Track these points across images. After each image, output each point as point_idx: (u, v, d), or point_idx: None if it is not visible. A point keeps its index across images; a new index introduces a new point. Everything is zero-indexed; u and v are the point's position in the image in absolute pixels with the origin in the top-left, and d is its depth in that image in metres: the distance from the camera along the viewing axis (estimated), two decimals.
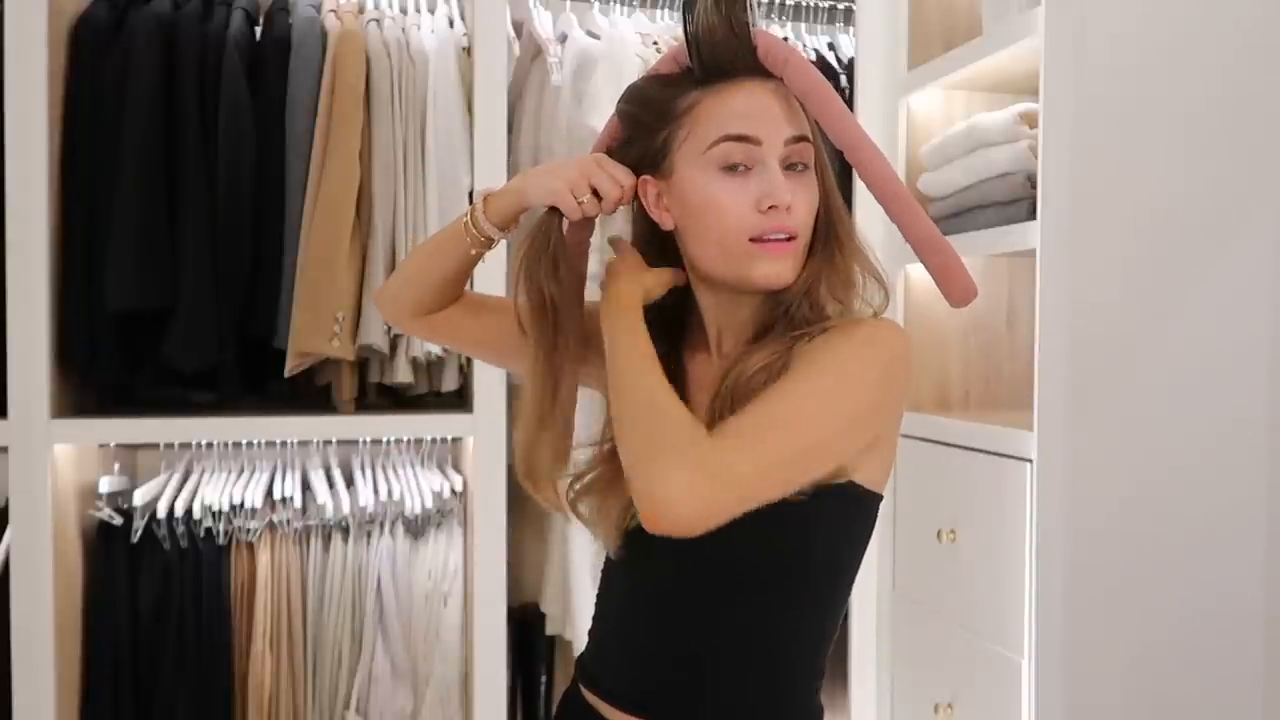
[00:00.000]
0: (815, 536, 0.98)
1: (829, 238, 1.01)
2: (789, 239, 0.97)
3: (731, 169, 0.97)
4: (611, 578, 1.11)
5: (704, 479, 0.83)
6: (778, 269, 0.97)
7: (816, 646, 1.04)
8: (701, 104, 0.98)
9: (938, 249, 0.98)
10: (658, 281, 1.04)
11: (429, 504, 2.16)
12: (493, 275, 1.92)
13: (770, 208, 0.95)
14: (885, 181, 0.99)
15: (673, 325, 1.09)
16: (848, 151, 0.99)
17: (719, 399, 0.98)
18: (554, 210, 1.03)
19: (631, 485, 0.87)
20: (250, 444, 2.17)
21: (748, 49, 0.98)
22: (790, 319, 0.99)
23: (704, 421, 0.97)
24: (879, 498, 1.02)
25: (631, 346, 0.95)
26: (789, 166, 0.98)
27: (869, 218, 1.17)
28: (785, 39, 2.39)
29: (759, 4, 2.41)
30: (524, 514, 2.28)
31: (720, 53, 0.98)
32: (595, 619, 1.13)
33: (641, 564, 1.05)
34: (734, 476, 0.85)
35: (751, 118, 0.97)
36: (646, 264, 1.07)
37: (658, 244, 1.07)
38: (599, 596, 1.13)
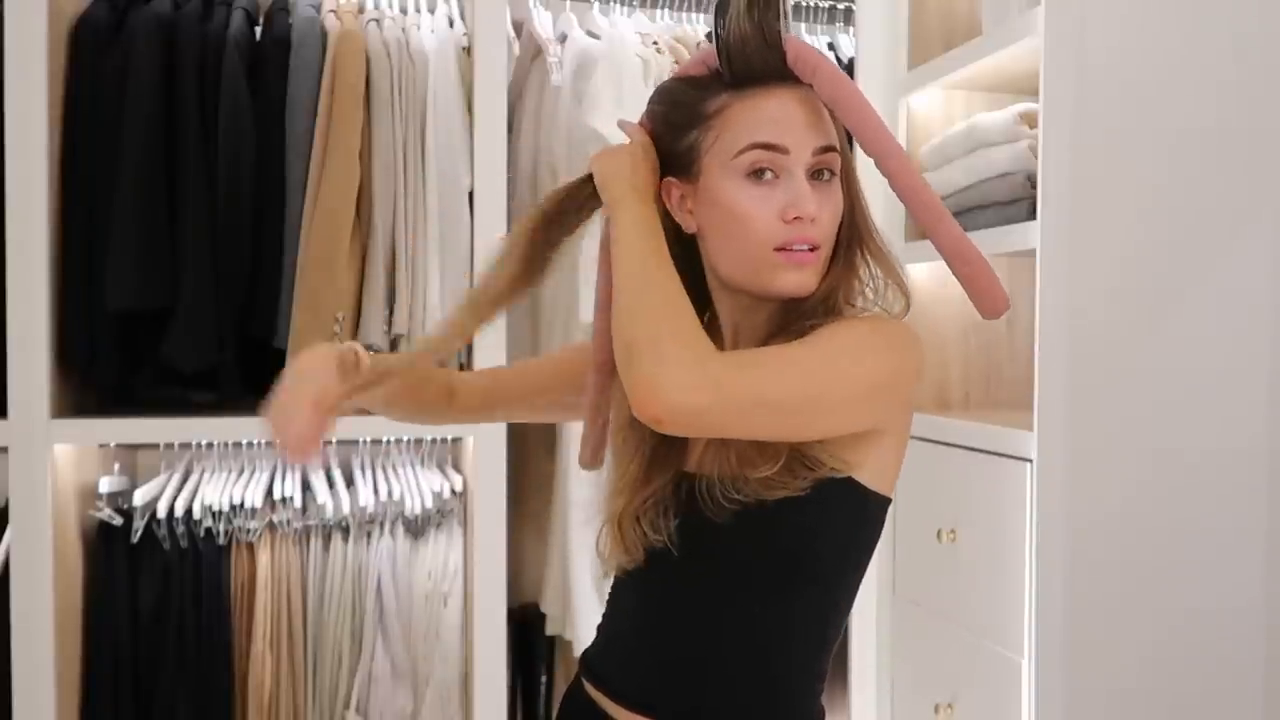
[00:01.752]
0: (819, 539, 0.98)
1: (852, 245, 1.02)
2: (812, 249, 0.97)
3: (758, 176, 0.96)
4: (618, 576, 1.12)
5: (702, 377, 0.86)
6: (801, 279, 0.97)
7: (819, 649, 1.04)
8: (730, 109, 0.98)
9: (967, 259, 0.96)
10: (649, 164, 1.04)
11: (429, 504, 2.15)
12: None
13: (795, 218, 0.95)
14: (916, 190, 0.98)
15: None
16: (878, 160, 0.98)
17: None
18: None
19: (631, 365, 0.88)
20: (250, 444, 2.17)
21: (778, 56, 0.97)
22: (802, 316, 1.00)
23: None
24: (885, 501, 1.02)
25: (652, 236, 0.96)
26: (815, 175, 0.98)
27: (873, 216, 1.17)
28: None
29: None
30: (524, 514, 2.28)
31: (751, 59, 0.97)
32: (604, 616, 1.14)
33: (650, 565, 1.05)
34: (728, 390, 0.87)
35: (780, 126, 0.96)
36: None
37: (680, 247, 1.06)
38: (610, 594, 1.14)
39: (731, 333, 1.06)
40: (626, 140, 1.05)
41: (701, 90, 1.01)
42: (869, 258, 1.02)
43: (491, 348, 2.03)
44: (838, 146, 0.99)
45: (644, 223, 0.97)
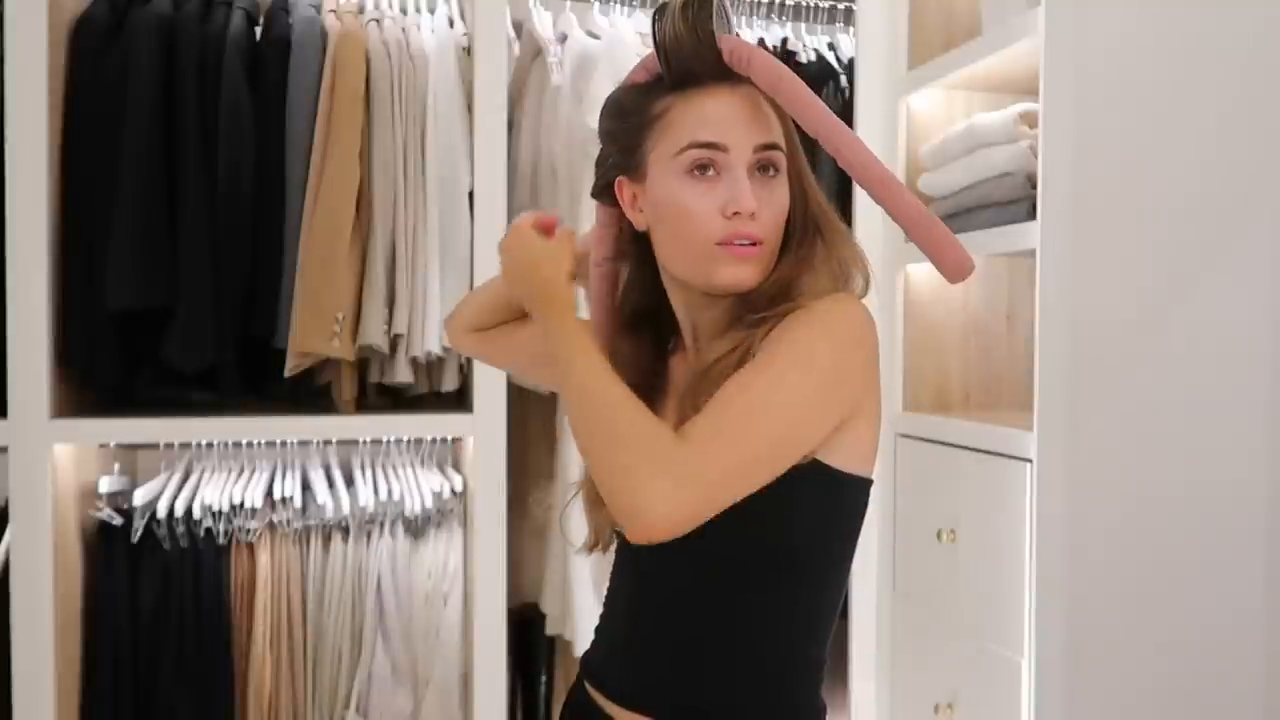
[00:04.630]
0: (793, 524, 0.98)
1: (808, 236, 1.03)
2: (754, 245, 0.99)
3: (700, 173, 0.99)
4: (613, 577, 1.13)
5: (677, 487, 0.87)
6: (742, 273, 0.99)
7: (811, 637, 1.04)
8: (672, 110, 1.01)
9: (924, 225, 0.97)
10: (568, 255, 1.05)
11: (429, 504, 2.16)
12: None
13: (735, 214, 0.97)
14: (863, 166, 0.99)
15: (661, 328, 1.11)
16: (822, 141, 1.00)
17: (685, 394, 1.00)
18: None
19: (609, 500, 0.90)
20: (250, 444, 2.17)
21: (713, 54, 1.00)
22: (755, 310, 1.00)
23: (675, 419, 0.99)
24: (862, 481, 1.02)
25: (582, 353, 0.98)
26: (760, 170, 1.00)
27: (870, 216, 1.17)
28: (784, 39, 2.40)
29: (759, 5, 2.42)
30: (524, 514, 2.28)
31: (687, 60, 1.00)
32: (601, 617, 1.15)
33: (633, 564, 1.07)
34: (705, 481, 0.88)
35: (720, 124, 0.99)
36: (622, 260, 1.11)
37: (637, 244, 1.09)
38: (607, 595, 1.15)
39: (690, 330, 1.08)
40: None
41: (646, 95, 1.04)
42: (829, 246, 1.03)
43: None
44: (781, 144, 1.02)
45: (575, 334, 0.99)
